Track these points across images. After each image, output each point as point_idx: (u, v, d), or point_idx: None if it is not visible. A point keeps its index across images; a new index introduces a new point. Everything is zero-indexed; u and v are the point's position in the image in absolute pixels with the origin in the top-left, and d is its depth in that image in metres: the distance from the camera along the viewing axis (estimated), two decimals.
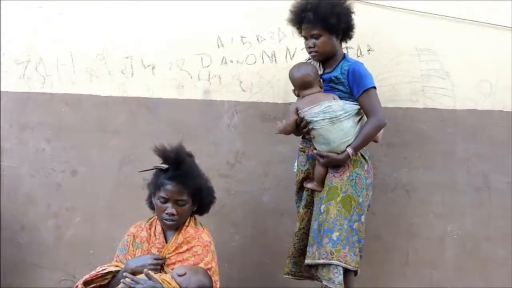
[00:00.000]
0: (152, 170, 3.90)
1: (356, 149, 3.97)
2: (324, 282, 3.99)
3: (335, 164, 4.01)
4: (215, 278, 3.76)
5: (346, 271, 4.02)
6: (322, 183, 4.11)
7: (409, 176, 4.71)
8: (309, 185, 4.16)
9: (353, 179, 3.99)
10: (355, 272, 4.08)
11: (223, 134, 4.83)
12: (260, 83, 4.76)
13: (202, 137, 4.82)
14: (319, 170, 4.11)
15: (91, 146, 4.89)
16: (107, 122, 4.89)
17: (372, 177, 4.13)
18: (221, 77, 4.78)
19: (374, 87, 4.01)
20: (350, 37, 4.17)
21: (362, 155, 4.07)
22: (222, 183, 4.74)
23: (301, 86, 4.05)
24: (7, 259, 4.88)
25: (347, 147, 3.93)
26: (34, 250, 4.89)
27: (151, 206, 3.96)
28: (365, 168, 4.07)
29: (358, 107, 3.99)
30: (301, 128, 4.04)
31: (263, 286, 4.77)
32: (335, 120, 3.92)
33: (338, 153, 3.97)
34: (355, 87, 3.97)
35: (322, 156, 4.02)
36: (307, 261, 4.08)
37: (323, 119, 3.92)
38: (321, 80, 4.07)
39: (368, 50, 4.54)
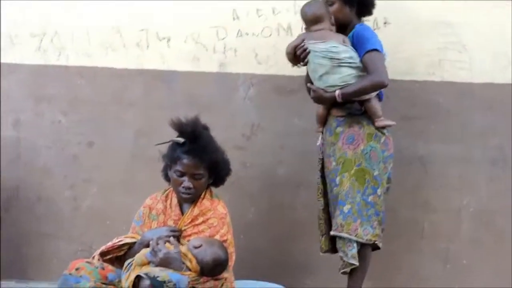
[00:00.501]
0: (168, 143, 3.97)
1: (345, 95, 3.93)
2: (340, 254, 4.05)
3: (322, 102, 4.04)
4: (231, 250, 3.82)
5: (362, 245, 4.07)
6: (322, 124, 4.14)
7: (425, 149, 4.75)
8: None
9: (367, 153, 4.01)
10: (374, 246, 4.12)
11: (239, 107, 4.91)
12: (276, 56, 4.79)
13: (218, 110, 4.89)
14: (318, 110, 4.17)
15: (106, 118, 4.98)
16: (123, 95, 4.98)
17: (391, 150, 4.12)
18: (236, 50, 4.84)
19: (378, 50, 3.98)
20: (369, 13, 4.20)
21: (376, 128, 4.07)
22: (238, 155, 4.77)
23: (312, 21, 4.03)
24: (25, 230, 4.99)
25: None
26: (51, 221, 5.00)
27: (167, 178, 4.02)
28: (382, 141, 4.07)
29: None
30: (297, 55, 4.04)
31: (279, 258, 4.84)
32: (336, 62, 3.93)
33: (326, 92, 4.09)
34: (359, 49, 3.98)
35: (313, 90, 4.06)
36: (331, 233, 4.11)
37: (324, 57, 3.92)
38: (333, 18, 4.03)
39: (384, 23, 4.54)
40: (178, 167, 3.83)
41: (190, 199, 3.90)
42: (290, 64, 4.39)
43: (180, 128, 3.89)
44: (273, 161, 4.88)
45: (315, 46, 3.96)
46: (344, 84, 3.96)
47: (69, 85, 4.99)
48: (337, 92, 3.96)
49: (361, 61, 3.98)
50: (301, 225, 4.49)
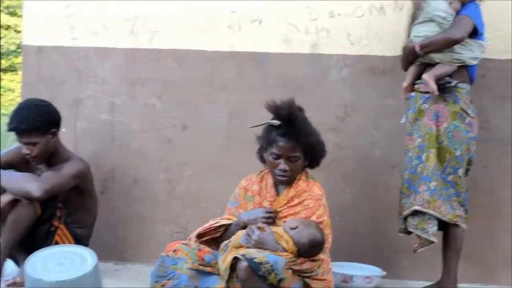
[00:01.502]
0: (263, 125, 4.29)
1: (422, 45, 4.51)
2: (417, 232, 4.46)
3: (405, 51, 4.65)
4: (327, 231, 4.11)
5: (450, 225, 4.49)
6: (406, 94, 4.72)
7: None
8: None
9: (450, 131, 4.44)
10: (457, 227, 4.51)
11: (332, 88, 5.30)
12: (368, 36, 5.21)
13: (311, 91, 5.28)
14: (403, 83, 4.71)
15: (199, 101, 5.44)
16: (215, 77, 5.43)
17: (475, 131, 4.49)
18: (329, 31, 5.28)
19: (468, 16, 4.44)
20: None
21: (462, 108, 4.47)
22: (332, 137, 5.15)
23: None
24: (121, 213, 5.54)
25: None
26: (146, 203, 5.52)
27: (262, 160, 4.35)
28: (466, 121, 4.47)
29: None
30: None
31: (375, 239, 5.25)
32: (428, 16, 4.53)
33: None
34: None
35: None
36: (405, 212, 4.55)
37: (426, 8, 4.54)
38: None
39: (480, 0, 4.74)
40: (274, 150, 4.14)
41: (285, 181, 4.19)
42: (382, 45, 4.98)
43: (276, 110, 4.19)
44: (367, 142, 5.26)
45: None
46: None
47: (162, 68, 5.47)
48: (415, 43, 4.49)
49: None
50: (396, 206, 4.73)
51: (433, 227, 4.48)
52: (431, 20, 4.55)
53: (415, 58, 4.64)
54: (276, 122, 4.17)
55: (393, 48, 4.95)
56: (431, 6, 4.55)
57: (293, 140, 4.14)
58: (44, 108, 4.80)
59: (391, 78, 5.08)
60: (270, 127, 4.23)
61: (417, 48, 4.52)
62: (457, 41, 4.44)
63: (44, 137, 4.75)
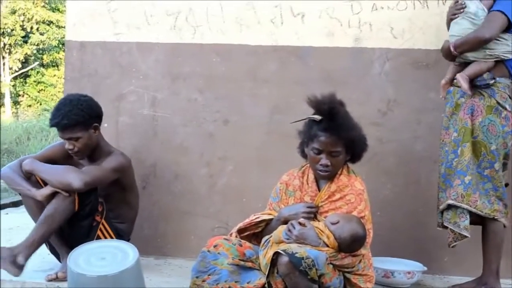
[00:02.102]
0: (304, 120, 4.34)
1: (456, 45, 4.56)
2: (450, 226, 4.50)
3: (443, 52, 4.70)
4: (368, 226, 4.15)
5: (488, 220, 4.53)
6: (444, 91, 4.78)
7: None
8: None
9: (485, 125, 4.47)
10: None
11: (374, 82, 5.34)
12: (411, 29, 5.24)
13: (353, 85, 5.33)
14: (442, 81, 4.78)
15: (242, 96, 5.50)
16: (258, 71, 5.49)
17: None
18: (371, 24, 5.32)
19: (502, 12, 4.45)
20: None
21: (498, 102, 4.48)
22: (374, 131, 5.17)
23: None
24: (162, 207, 5.62)
25: None
26: (188, 198, 5.59)
27: (303, 155, 4.40)
28: (503, 115, 4.49)
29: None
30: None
31: (416, 235, 5.27)
32: (462, 14, 4.57)
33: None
34: (493, 7, 4.49)
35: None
36: (441, 206, 4.59)
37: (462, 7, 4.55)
38: None
39: None
40: (316, 145, 4.20)
41: (327, 176, 4.24)
42: (425, 38, 5.00)
43: (317, 105, 4.24)
44: (409, 136, 5.29)
45: None
46: (459, 37, 4.54)
47: (204, 63, 5.54)
48: (450, 44, 4.53)
49: None
50: (437, 200, 4.76)
51: (465, 221, 4.53)
52: (463, 18, 4.59)
53: (452, 58, 4.70)
54: (317, 117, 4.22)
55: (436, 42, 4.97)
56: (466, 5, 4.60)
57: (334, 135, 4.18)
58: (86, 103, 4.89)
59: (434, 72, 5.08)
60: (311, 122, 4.27)
61: (452, 49, 4.58)
62: (487, 41, 4.49)
63: (87, 132, 4.85)
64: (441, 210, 4.68)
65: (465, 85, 4.50)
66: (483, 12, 4.53)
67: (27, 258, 4.65)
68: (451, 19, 4.66)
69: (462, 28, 4.58)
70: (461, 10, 4.57)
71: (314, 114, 4.27)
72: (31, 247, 4.66)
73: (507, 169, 4.68)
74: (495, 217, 4.54)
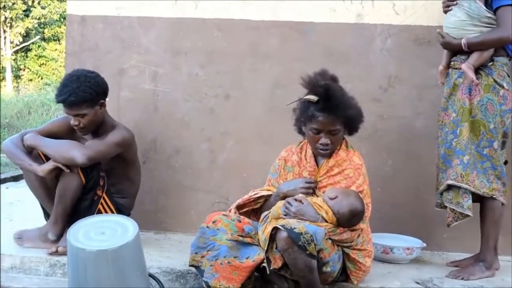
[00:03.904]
0: (300, 100, 4.40)
1: (470, 44, 4.51)
2: (452, 206, 4.55)
3: (449, 47, 4.64)
4: (367, 200, 4.22)
5: (486, 198, 4.57)
6: (443, 77, 4.78)
7: None
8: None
9: (483, 104, 4.50)
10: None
11: (376, 58, 5.37)
12: (414, 6, 5.27)
13: (355, 61, 5.37)
14: (439, 67, 4.79)
15: (243, 71, 5.53)
16: (259, 47, 5.51)
17: (510, 104, 4.54)
18: (374, 0, 5.35)
19: (510, 5, 4.42)
20: None
21: (495, 80, 4.51)
22: (375, 107, 5.27)
23: None
24: (162, 182, 5.67)
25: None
26: (188, 173, 5.64)
27: (300, 132, 4.48)
28: (500, 93, 4.51)
29: (487, 14, 4.48)
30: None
31: (417, 211, 5.34)
32: (459, 7, 4.55)
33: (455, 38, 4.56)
34: (495, 0, 4.46)
35: (442, 36, 4.62)
36: (441, 187, 4.63)
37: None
38: None
39: None
40: (314, 125, 4.25)
41: (327, 154, 4.32)
42: (428, 14, 5.00)
43: (312, 86, 4.29)
44: (411, 113, 5.34)
45: None
46: (462, 31, 4.55)
47: (206, 38, 5.56)
48: (463, 41, 4.49)
49: (494, 11, 4.45)
50: (437, 178, 4.77)
51: (468, 201, 4.57)
52: (459, 9, 4.61)
53: (451, 48, 4.73)
54: (314, 98, 4.26)
55: (438, 18, 4.97)
56: None
57: (332, 114, 4.24)
58: (93, 80, 4.93)
59: (436, 49, 5.05)
60: (307, 103, 4.32)
61: (465, 47, 4.57)
62: (509, 39, 4.52)
63: (93, 108, 4.90)
64: (441, 191, 4.73)
65: (472, 75, 4.53)
66: (477, 5, 4.53)
67: (56, 234, 4.83)
68: (445, 11, 4.69)
69: (459, 20, 4.60)
70: (455, 3, 4.60)
71: (309, 94, 4.31)
72: (56, 223, 4.83)
73: (505, 147, 4.72)
74: (493, 196, 4.59)
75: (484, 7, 4.49)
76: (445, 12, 4.71)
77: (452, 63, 4.74)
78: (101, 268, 3.86)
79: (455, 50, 4.69)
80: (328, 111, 4.23)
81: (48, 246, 4.79)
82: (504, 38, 4.50)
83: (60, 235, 4.82)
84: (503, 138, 4.64)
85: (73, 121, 4.87)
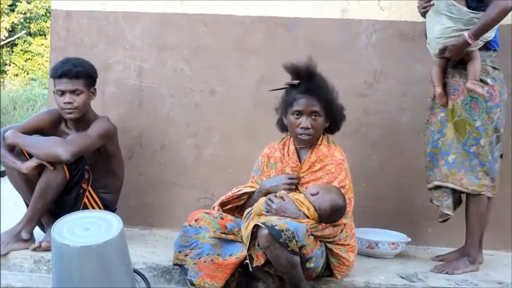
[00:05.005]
0: (283, 90, 4.46)
1: (476, 34, 4.35)
2: (437, 203, 4.63)
3: (457, 51, 4.46)
4: (349, 195, 4.26)
5: (471, 195, 4.62)
6: (440, 81, 4.66)
7: None
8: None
9: (467, 103, 4.52)
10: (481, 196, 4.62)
11: (361, 54, 5.40)
12: (398, 2, 5.29)
13: (340, 57, 5.38)
14: (432, 70, 4.71)
15: (228, 66, 5.54)
16: (245, 42, 5.53)
17: (496, 99, 4.54)
18: None
19: None
20: None
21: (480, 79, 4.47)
22: (360, 102, 5.31)
23: None
24: (148, 178, 5.67)
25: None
26: (174, 169, 5.65)
27: (283, 129, 4.53)
28: (484, 90, 4.49)
29: (469, 16, 4.39)
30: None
31: (401, 206, 5.37)
32: (436, 10, 4.47)
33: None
34: None
35: (444, 50, 4.51)
36: (428, 185, 4.68)
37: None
38: None
39: None
40: (295, 107, 4.30)
41: (308, 141, 4.34)
42: (412, 10, 4.89)
43: (295, 70, 4.36)
44: (395, 108, 5.36)
45: None
46: (442, 39, 4.48)
47: (191, 33, 5.57)
48: (465, 35, 4.39)
49: None
50: (423, 173, 4.83)
51: (447, 200, 4.66)
52: (441, 15, 4.53)
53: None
54: (295, 82, 4.35)
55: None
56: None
57: (313, 95, 4.31)
58: (89, 63, 5.06)
59: (420, 44, 5.06)
60: (289, 89, 4.39)
61: (470, 41, 4.45)
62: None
63: (88, 90, 4.98)
64: (428, 188, 4.78)
65: (480, 90, 4.50)
66: (456, 8, 4.47)
67: (30, 232, 4.81)
68: (422, 13, 4.66)
69: (446, 27, 4.52)
70: (432, 3, 4.54)
71: (292, 80, 4.38)
72: (31, 221, 4.80)
73: (500, 141, 4.76)
74: (482, 192, 4.64)
75: (465, 8, 4.45)
76: (422, 14, 4.69)
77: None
78: (86, 264, 3.87)
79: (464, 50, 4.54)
80: (310, 92, 4.31)
81: (22, 246, 4.78)
82: (508, 7, 4.36)
83: (32, 233, 4.84)
84: (495, 134, 4.66)
85: (67, 99, 4.90)
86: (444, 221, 4.78)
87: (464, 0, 4.46)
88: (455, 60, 4.59)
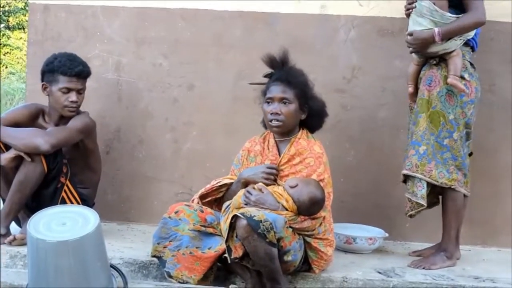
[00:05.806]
0: (263, 83, 4.48)
1: (444, 33, 4.44)
2: (407, 195, 4.62)
3: (421, 42, 4.54)
4: (328, 189, 4.27)
5: (447, 189, 4.64)
6: (414, 81, 4.74)
7: None
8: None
9: (442, 95, 4.55)
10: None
11: (340, 49, 5.41)
12: None
13: (319, 52, 5.40)
14: (409, 68, 4.76)
15: (207, 61, 5.55)
16: (223, 37, 5.53)
17: (472, 95, 4.58)
18: None
19: None
20: None
21: None
22: (338, 98, 5.33)
23: None
24: (126, 172, 5.68)
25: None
26: (152, 163, 5.66)
27: (265, 126, 4.55)
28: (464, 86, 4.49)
29: (448, 20, 4.46)
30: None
31: (378, 201, 5.40)
32: (419, 13, 4.51)
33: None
34: None
35: (412, 37, 4.57)
36: (404, 171, 4.67)
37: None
38: None
39: None
40: (268, 95, 4.35)
41: (280, 129, 4.36)
42: (391, 6, 5.04)
43: (270, 60, 4.43)
44: (373, 103, 5.39)
45: None
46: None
47: (169, 28, 5.57)
48: (435, 30, 4.46)
49: None
50: (401, 169, 4.79)
51: (422, 190, 4.65)
52: (423, 17, 4.57)
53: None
54: (270, 71, 4.41)
55: (402, 10, 4.93)
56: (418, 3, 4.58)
57: (284, 82, 4.34)
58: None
59: (399, 40, 5.12)
60: (268, 83, 4.44)
61: (438, 38, 4.52)
62: (484, 23, 4.55)
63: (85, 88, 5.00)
64: (402, 181, 4.81)
65: (461, 85, 4.55)
66: (438, 13, 4.51)
67: (7, 226, 4.78)
68: (407, 14, 4.70)
69: (427, 29, 4.56)
70: (413, 5, 4.57)
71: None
72: (8, 216, 4.78)
73: (471, 139, 4.78)
74: (452, 187, 4.65)
75: (448, 14, 4.51)
76: (407, 16, 4.71)
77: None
78: (62, 259, 3.84)
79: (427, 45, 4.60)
80: (281, 79, 4.35)
81: None
82: (480, 22, 4.53)
83: (9, 228, 4.81)
84: (466, 129, 4.69)
85: (74, 98, 4.93)
86: (411, 216, 4.79)
87: (447, 6, 4.51)
88: (432, 59, 4.65)
